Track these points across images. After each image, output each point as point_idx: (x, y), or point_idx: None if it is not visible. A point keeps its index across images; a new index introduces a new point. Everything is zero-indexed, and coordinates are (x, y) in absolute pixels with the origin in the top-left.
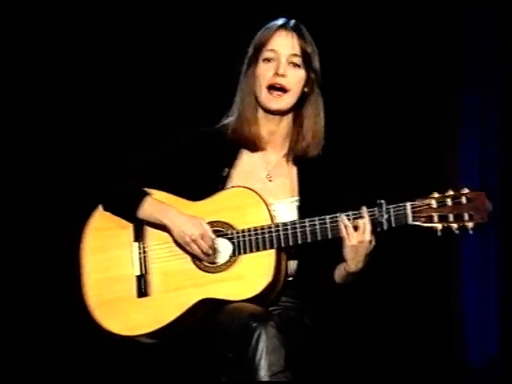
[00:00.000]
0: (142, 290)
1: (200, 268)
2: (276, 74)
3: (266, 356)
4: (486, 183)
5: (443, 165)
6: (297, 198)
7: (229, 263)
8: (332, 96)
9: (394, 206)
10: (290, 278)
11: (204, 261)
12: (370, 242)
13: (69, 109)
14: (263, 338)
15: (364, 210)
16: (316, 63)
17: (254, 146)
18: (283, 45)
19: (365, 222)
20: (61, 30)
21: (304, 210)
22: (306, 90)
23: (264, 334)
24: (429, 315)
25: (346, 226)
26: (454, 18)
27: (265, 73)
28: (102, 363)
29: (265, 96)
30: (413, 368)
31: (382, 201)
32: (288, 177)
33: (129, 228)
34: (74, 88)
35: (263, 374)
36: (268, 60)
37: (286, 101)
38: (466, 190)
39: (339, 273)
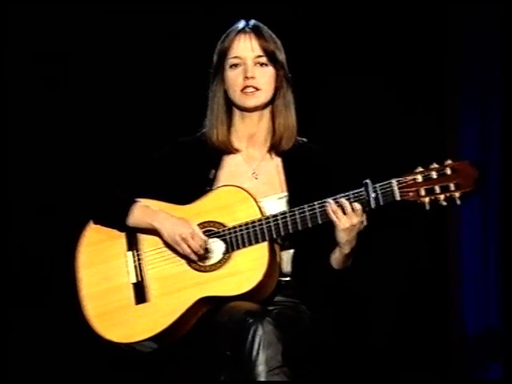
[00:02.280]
0: (140, 296)
1: (195, 269)
2: (245, 77)
3: (262, 351)
4: (486, 180)
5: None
6: (285, 193)
7: (223, 261)
8: (331, 93)
9: (380, 184)
10: (287, 278)
11: (196, 261)
12: (362, 222)
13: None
14: (259, 333)
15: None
16: (281, 58)
17: (229, 151)
18: (245, 49)
19: (353, 204)
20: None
21: (294, 204)
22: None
23: (260, 329)
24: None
25: (334, 211)
26: (455, 17)
27: (235, 78)
28: (102, 363)
29: (239, 97)
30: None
31: (368, 180)
32: (274, 172)
33: (121, 238)
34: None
35: (261, 369)
36: (235, 66)
37: (261, 97)
38: (449, 161)
39: (335, 258)
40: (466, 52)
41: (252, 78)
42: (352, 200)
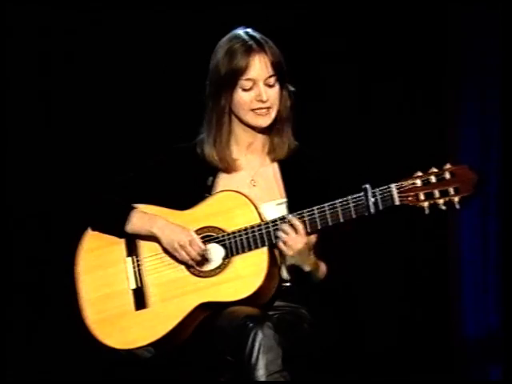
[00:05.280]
0: (140, 302)
1: (195, 274)
2: (259, 100)
3: (262, 355)
4: (486, 183)
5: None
6: (284, 199)
7: (223, 266)
8: (330, 96)
9: (380, 188)
10: (288, 284)
11: (195, 267)
12: (309, 240)
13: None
14: (259, 337)
15: (290, 216)
16: (286, 75)
17: (227, 169)
18: (259, 71)
19: (294, 224)
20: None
21: (294, 210)
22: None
23: (260, 333)
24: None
25: (284, 241)
26: (455, 18)
27: (247, 100)
28: (102, 369)
29: (251, 117)
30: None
31: (367, 185)
32: (272, 179)
33: (121, 244)
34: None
35: (261, 373)
36: (247, 87)
37: (271, 115)
38: (448, 166)
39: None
40: (465, 53)
41: (267, 100)
42: (340, 207)
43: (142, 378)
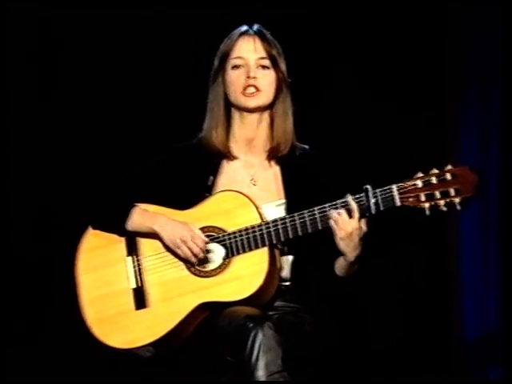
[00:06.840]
0: (140, 302)
1: (195, 274)
2: (247, 77)
3: (262, 355)
4: (486, 183)
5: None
6: (283, 200)
7: (223, 266)
8: (329, 94)
9: (381, 189)
10: (287, 283)
11: (196, 265)
12: (361, 227)
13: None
14: (259, 337)
15: (349, 197)
16: (282, 65)
17: (227, 154)
18: (249, 50)
19: (353, 210)
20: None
21: (293, 212)
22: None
23: (260, 333)
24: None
25: (335, 220)
26: (455, 18)
27: (236, 79)
28: (102, 365)
29: (240, 98)
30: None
31: (368, 186)
32: (272, 179)
33: (121, 243)
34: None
35: (261, 373)
36: (237, 67)
37: (262, 98)
38: (449, 167)
39: (339, 266)
40: (465, 52)
41: (254, 78)
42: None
43: (142, 378)
